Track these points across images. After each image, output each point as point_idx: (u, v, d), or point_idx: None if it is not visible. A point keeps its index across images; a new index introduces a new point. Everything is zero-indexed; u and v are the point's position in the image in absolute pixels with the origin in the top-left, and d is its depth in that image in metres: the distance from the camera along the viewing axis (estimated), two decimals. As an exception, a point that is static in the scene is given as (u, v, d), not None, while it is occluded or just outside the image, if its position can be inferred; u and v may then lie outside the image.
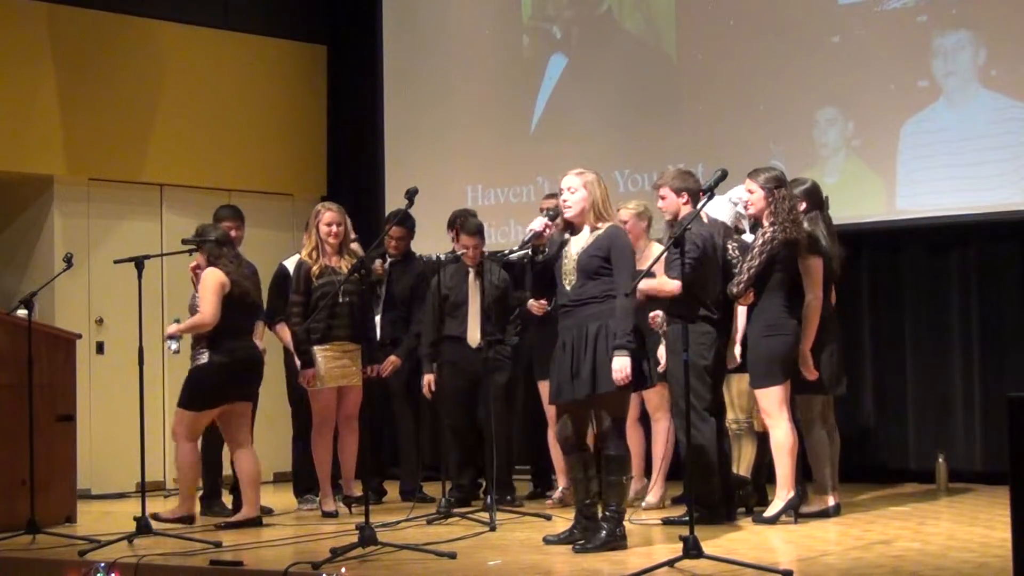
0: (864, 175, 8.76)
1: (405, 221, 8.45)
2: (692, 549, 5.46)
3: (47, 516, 7.50)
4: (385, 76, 10.82)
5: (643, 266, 6.71)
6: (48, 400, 7.81)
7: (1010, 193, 8.22)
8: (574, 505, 6.49)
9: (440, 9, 10.81)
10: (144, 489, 7.22)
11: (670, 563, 5.45)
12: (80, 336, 8.33)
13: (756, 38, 9.15)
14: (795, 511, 6.83)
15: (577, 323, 6.18)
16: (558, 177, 6.53)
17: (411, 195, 6.63)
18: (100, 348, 9.96)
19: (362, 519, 6.16)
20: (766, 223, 6.87)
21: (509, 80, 10.33)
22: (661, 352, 7.17)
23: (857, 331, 8.71)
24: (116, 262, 7.45)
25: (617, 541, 6.12)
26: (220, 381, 7.41)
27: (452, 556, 5.99)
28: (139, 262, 7.15)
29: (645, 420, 7.81)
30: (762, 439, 7.33)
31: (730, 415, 7.44)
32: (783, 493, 6.82)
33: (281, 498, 8.76)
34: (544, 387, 7.58)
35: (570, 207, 6.28)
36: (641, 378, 6.16)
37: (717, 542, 6.11)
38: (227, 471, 8.08)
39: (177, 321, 7.65)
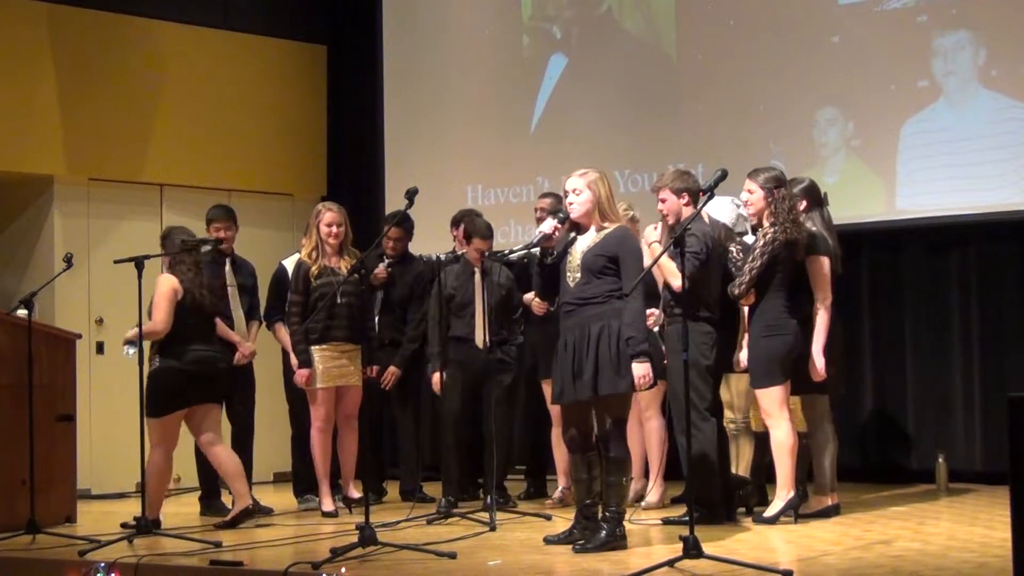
0: (864, 175, 8.75)
1: (403, 222, 8.41)
2: (692, 549, 5.46)
3: (47, 516, 7.49)
4: (385, 76, 10.82)
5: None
6: (48, 400, 7.80)
7: (1010, 193, 8.22)
8: (574, 505, 6.49)
9: (440, 9, 10.81)
10: (144, 489, 7.24)
11: (670, 563, 5.45)
12: (80, 336, 8.32)
13: (756, 38, 9.14)
14: (795, 511, 6.83)
15: (579, 323, 6.18)
16: (558, 177, 6.53)
17: (411, 195, 6.61)
18: (100, 348, 9.96)
19: (362, 519, 6.17)
20: (766, 223, 6.87)
21: (509, 80, 10.32)
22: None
23: (857, 331, 8.70)
24: (116, 262, 7.43)
25: (617, 541, 6.12)
26: (175, 385, 7.36)
27: (452, 556, 5.98)
28: (139, 262, 7.13)
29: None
30: (762, 439, 7.33)
31: (727, 415, 7.44)
32: (783, 493, 6.82)
33: (281, 498, 8.76)
34: (548, 386, 7.57)
35: (576, 210, 6.27)
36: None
37: (717, 542, 6.11)
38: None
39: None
